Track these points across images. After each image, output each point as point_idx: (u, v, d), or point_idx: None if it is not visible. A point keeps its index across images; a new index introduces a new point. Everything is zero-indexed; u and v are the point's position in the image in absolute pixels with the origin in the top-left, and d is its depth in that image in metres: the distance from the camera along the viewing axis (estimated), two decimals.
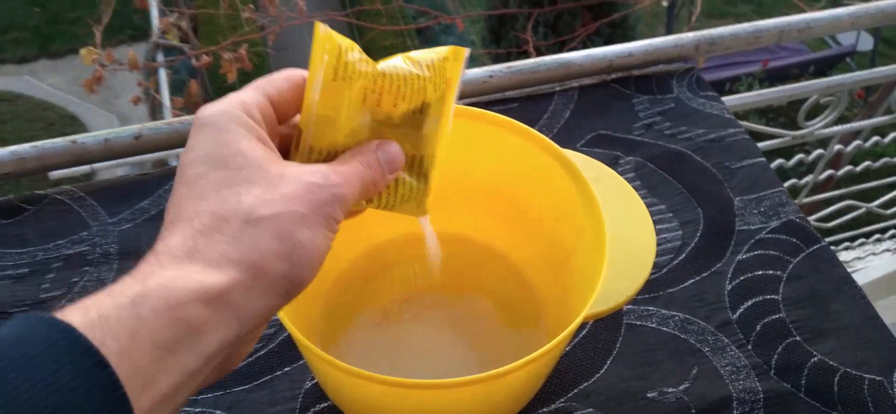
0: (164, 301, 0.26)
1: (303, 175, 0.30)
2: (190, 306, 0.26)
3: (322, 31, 0.31)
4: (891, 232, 1.40)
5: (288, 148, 0.34)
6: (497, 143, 0.49)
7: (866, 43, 4.91)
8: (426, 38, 5.44)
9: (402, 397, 0.38)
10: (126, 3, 3.14)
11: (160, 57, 3.20)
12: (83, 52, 2.57)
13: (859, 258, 1.25)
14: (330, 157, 0.34)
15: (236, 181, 0.29)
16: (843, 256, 1.39)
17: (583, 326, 0.57)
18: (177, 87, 3.70)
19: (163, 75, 3.18)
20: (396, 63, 0.34)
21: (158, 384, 0.25)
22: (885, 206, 1.28)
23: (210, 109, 0.31)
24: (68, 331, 0.24)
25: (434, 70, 0.35)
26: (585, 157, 0.47)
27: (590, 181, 0.45)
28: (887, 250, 1.26)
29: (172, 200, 0.30)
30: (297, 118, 0.34)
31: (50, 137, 0.64)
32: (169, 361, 0.25)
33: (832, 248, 1.55)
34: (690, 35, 0.76)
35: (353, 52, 0.32)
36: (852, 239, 1.45)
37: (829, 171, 1.16)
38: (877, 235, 1.41)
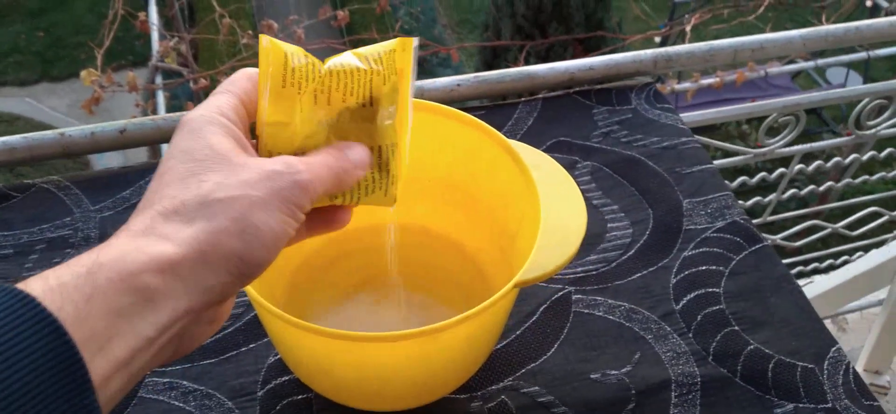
0: (118, 271, 0.28)
1: (264, 164, 0.32)
2: (143, 275, 0.28)
3: (265, 42, 0.33)
4: (858, 254, 1.44)
5: None
6: (449, 134, 0.53)
7: (855, 82, 4.99)
8: (423, 70, 5.52)
9: (344, 352, 0.42)
10: (128, 29, 3.21)
11: (159, 80, 3.26)
12: (83, 73, 2.63)
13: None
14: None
15: (200, 170, 0.31)
16: (818, 278, 1.42)
17: (533, 311, 0.60)
18: (174, 111, 3.76)
19: (161, 98, 3.24)
20: (343, 59, 0.35)
21: (114, 349, 0.27)
22: (851, 227, 1.33)
23: (190, 114, 0.34)
24: (27, 300, 0.26)
25: (382, 62, 0.36)
26: (527, 146, 0.51)
27: (530, 168, 0.49)
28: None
29: (144, 194, 0.32)
30: None
31: None
32: (123, 326, 0.27)
33: (800, 268, 1.59)
34: (649, 52, 0.80)
35: (299, 56, 0.34)
36: (821, 259, 1.48)
37: (793, 190, 1.20)
38: (845, 257, 1.45)
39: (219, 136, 0.33)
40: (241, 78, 0.36)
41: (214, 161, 0.32)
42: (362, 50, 0.36)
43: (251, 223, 0.30)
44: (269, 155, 0.35)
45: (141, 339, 0.28)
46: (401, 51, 0.37)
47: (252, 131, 0.37)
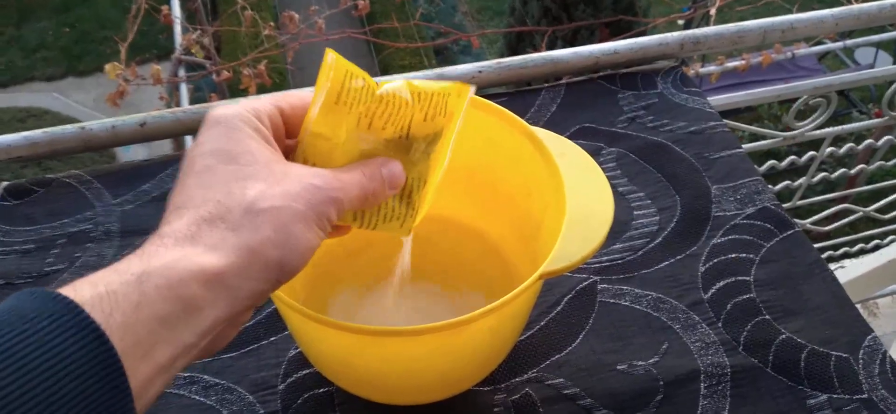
0: (166, 279, 0.28)
1: (304, 176, 0.33)
2: (189, 285, 0.28)
3: (330, 58, 0.33)
4: (890, 238, 1.40)
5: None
6: (469, 122, 0.51)
7: (885, 62, 4.88)
8: (444, 58, 5.51)
9: (366, 346, 0.41)
10: (152, 23, 3.23)
11: (182, 73, 3.28)
12: (108, 66, 2.65)
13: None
14: None
15: (243, 176, 0.32)
16: (848, 263, 1.39)
17: (557, 301, 0.59)
18: (198, 103, 3.78)
19: (184, 91, 3.25)
20: (396, 88, 0.35)
21: (156, 355, 0.28)
22: (882, 210, 1.29)
23: (223, 110, 0.34)
24: (71, 306, 0.26)
25: (430, 101, 0.37)
26: (551, 133, 0.50)
27: (555, 155, 0.47)
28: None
29: (179, 188, 0.32)
30: None
31: None
32: (167, 334, 0.28)
33: (830, 253, 1.56)
34: (675, 34, 0.78)
35: (358, 79, 0.34)
36: (851, 244, 1.45)
37: (823, 174, 1.17)
38: (876, 241, 1.41)
39: (257, 141, 0.33)
40: (294, 94, 0.36)
41: (256, 167, 0.32)
42: (418, 83, 0.36)
43: (292, 234, 0.31)
44: (304, 162, 0.36)
45: (182, 345, 0.29)
46: (455, 95, 0.38)
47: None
